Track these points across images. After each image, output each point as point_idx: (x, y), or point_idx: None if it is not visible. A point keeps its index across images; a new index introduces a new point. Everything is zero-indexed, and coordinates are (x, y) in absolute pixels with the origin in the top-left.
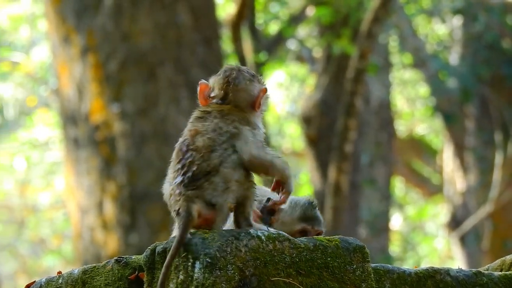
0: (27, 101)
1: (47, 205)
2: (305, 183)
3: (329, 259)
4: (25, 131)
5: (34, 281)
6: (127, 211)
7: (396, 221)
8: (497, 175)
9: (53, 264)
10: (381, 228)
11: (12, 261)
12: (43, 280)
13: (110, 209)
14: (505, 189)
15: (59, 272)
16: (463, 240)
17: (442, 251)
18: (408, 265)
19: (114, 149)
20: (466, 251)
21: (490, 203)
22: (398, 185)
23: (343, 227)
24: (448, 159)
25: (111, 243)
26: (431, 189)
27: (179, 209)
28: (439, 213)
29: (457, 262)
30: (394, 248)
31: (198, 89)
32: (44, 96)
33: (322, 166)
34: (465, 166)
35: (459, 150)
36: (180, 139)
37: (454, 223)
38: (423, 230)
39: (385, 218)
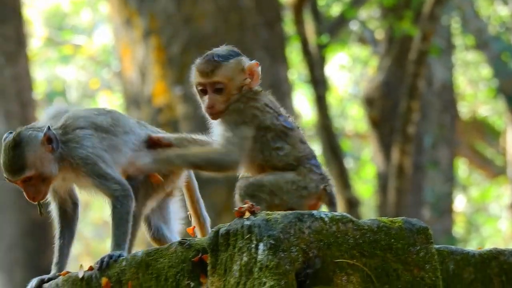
0: (90, 83)
1: None
2: (368, 164)
3: (392, 240)
4: None
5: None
6: None
7: (459, 203)
8: None
9: None
10: (445, 210)
11: (76, 244)
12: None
13: None
14: None
15: None
16: None
17: (505, 233)
18: (471, 247)
19: (177, 131)
20: None
21: None
22: (462, 167)
23: (407, 209)
24: (511, 140)
25: None
26: (495, 170)
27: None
28: (502, 194)
29: None
30: (458, 229)
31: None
32: (107, 79)
33: (385, 148)
34: None
35: None
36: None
37: None
38: (487, 211)
39: (449, 200)
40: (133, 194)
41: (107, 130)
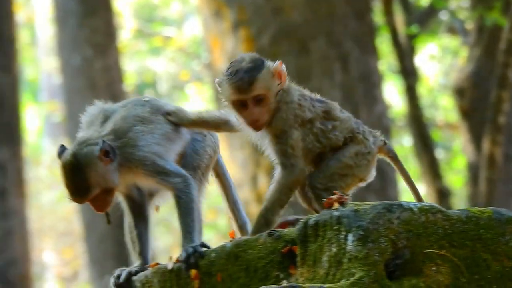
0: (180, 75)
1: None
2: (459, 155)
3: (481, 230)
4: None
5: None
6: None
7: None
8: None
9: (209, 238)
10: None
11: (167, 236)
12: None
13: (264, 183)
14: None
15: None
16: None
17: None
18: None
19: None
20: None
21: None
22: None
23: (497, 199)
24: None
25: None
26: None
27: None
28: None
29: None
30: None
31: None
32: (197, 70)
33: (476, 138)
34: None
35: None
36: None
37: None
38: None
39: None
40: (193, 182)
41: (151, 120)
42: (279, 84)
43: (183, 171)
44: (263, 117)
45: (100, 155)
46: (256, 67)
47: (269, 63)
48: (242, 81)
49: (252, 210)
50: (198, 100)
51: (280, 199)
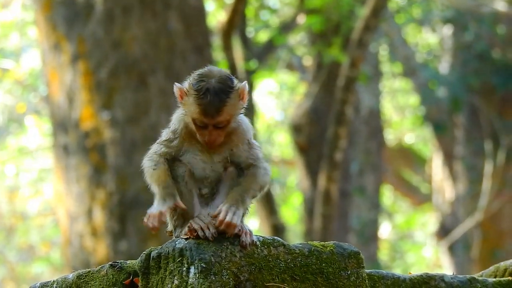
0: (17, 108)
1: (36, 212)
2: (294, 191)
3: (324, 264)
4: (15, 138)
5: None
6: (117, 218)
7: (384, 230)
8: (486, 184)
9: (41, 271)
10: (370, 237)
11: (0, 268)
12: (38, 284)
13: (99, 216)
14: (494, 199)
15: None
16: (451, 249)
17: (430, 260)
18: None
19: (104, 156)
20: (455, 260)
21: (479, 212)
22: (387, 194)
23: (333, 235)
24: (437, 168)
25: (100, 250)
26: (420, 198)
27: None
28: (427, 222)
29: (446, 270)
30: (382, 256)
31: None
32: (34, 103)
33: (312, 174)
34: (454, 175)
35: (448, 159)
36: None
37: (443, 232)
38: (412, 238)
39: (374, 227)
40: None
41: None
42: (242, 106)
43: None
44: (219, 139)
45: None
46: (227, 88)
47: (236, 83)
48: (211, 105)
49: (86, 244)
50: (36, 133)
51: (254, 192)
